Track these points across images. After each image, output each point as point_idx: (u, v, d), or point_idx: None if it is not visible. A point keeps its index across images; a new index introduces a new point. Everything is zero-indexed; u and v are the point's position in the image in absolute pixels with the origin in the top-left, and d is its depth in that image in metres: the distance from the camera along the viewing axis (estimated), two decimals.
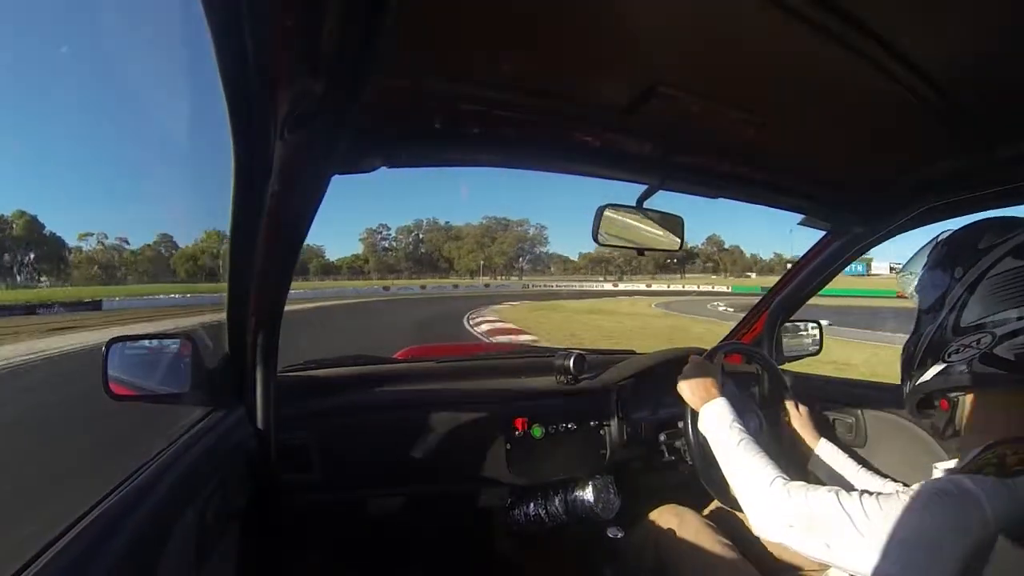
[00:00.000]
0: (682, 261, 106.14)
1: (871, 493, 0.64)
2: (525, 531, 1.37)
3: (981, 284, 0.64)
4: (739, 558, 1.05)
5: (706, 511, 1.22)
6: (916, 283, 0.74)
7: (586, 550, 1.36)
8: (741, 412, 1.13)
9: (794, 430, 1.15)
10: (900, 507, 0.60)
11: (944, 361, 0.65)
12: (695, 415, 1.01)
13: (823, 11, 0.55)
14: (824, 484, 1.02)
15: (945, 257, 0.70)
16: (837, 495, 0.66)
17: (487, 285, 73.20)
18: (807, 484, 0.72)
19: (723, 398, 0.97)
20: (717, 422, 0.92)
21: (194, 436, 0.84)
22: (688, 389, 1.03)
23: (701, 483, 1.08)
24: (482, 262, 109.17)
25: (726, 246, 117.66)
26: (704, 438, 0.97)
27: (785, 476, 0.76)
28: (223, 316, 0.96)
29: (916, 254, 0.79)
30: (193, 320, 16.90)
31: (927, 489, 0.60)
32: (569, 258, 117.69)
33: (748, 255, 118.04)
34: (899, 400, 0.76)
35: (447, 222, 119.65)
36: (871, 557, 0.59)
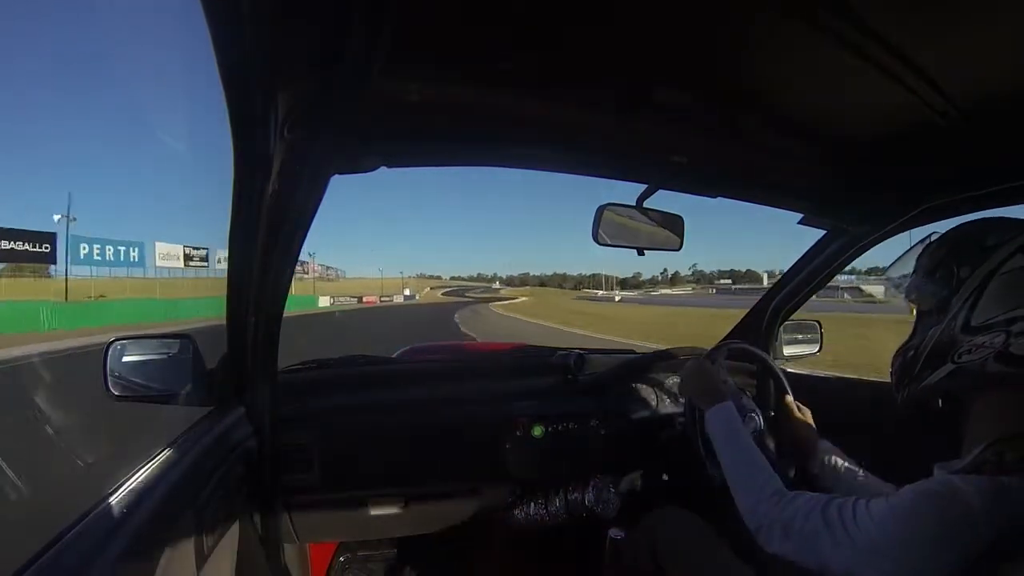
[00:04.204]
0: None
1: (862, 499, 0.64)
2: (525, 531, 1.37)
3: (992, 282, 0.62)
4: (739, 560, 1.05)
5: (706, 512, 1.22)
6: (912, 286, 0.73)
7: (586, 550, 1.36)
8: (742, 412, 1.13)
9: (794, 429, 1.15)
10: (890, 511, 0.60)
11: (954, 362, 0.63)
12: (702, 416, 1.01)
13: (824, 11, 0.55)
14: (825, 481, 1.02)
15: (946, 257, 0.69)
16: (826, 505, 0.66)
17: None
18: (803, 493, 0.72)
19: (729, 401, 0.98)
20: (724, 426, 0.93)
21: (194, 436, 0.84)
22: (693, 391, 1.06)
23: (702, 483, 1.08)
24: None
25: None
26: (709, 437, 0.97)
27: (782, 486, 0.76)
28: (223, 316, 0.96)
29: (903, 257, 0.77)
30: None
31: (917, 492, 0.60)
32: None
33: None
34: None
35: None
36: (862, 563, 0.60)
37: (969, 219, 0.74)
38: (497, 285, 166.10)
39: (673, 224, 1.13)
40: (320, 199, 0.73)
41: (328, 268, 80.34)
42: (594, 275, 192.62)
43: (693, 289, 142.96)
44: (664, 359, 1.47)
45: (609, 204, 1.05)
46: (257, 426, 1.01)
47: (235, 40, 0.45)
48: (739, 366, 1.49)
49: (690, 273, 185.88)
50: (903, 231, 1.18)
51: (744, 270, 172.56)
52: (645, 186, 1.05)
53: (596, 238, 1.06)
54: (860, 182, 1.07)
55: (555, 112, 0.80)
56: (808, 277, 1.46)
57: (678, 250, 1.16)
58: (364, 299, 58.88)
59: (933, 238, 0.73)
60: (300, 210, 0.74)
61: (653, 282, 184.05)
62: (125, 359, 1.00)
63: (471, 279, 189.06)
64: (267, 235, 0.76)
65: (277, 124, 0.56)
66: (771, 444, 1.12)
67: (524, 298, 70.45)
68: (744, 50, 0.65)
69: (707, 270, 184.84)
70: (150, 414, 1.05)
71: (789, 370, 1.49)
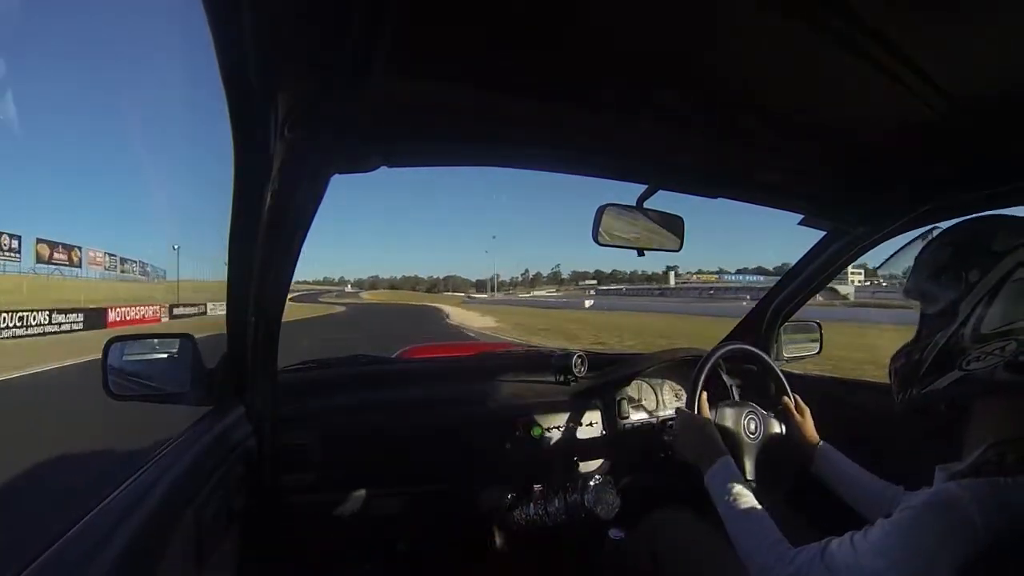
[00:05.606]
0: None
1: (858, 532, 0.64)
2: (525, 531, 1.37)
3: (1003, 289, 0.60)
4: (739, 560, 1.05)
5: (707, 512, 1.21)
6: (914, 286, 0.70)
7: (586, 551, 1.36)
8: (741, 415, 1.13)
9: (795, 431, 1.15)
10: (884, 535, 0.60)
11: (962, 369, 0.61)
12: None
13: (824, 11, 0.55)
14: (827, 481, 1.03)
15: (953, 259, 0.66)
16: (824, 550, 0.66)
17: None
18: (803, 548, 0.71)
19: (726, 456, 0.96)
20: (723, 489, 0.92)
21: (193, 436, 0.84)
22: (688, 451, 1.05)
23: (702, 485, 1.08)
24: None
25: None
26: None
27: (786, 545, 0.75)
28: (223, 316, 0.96)
29: (900, 254, 0.76)
30: None
31: (913, 507, 0.59)
32: None
33: None
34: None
35: None
36: None
37: (970, 218, 0.72)
38: (350, 288, 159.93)
39: (673, 224, 1.13)
40: (320, 199, 0.73)
41: (125, 261, 46.85)
42: (448, 277, 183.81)
43: (557, 291, 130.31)
44: (664, 360, 1.47)
45: (609, 204, 1.05)
46: (257, 426, 1.01)
47: (235, 40, 0.45)
48: (738, 367, 1.49)
49: (549, 275, 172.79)
50: (904, 231, 1.18)
51: (609, 271, 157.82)
52: (645, 186, 1.05)
53: (596, 238, 1.06)
54: (860, 182, 1.07)
55: (555, 112, 0.80)
56: (809, 278, 1.46)
57: (678, 251, 1.16)
58: (110, 317, 21.54)
59: (934, 234, 0.71)
60: (300, 210, 0.74)
61: (513, 284, 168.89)
62: (125, 358, 1.00)
63: (317, 283, 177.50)
64: (267, 235, 0.76)
65: (277, 124, 0.56)
66: (776, 444, 1.11)
67: (453, 307, 47.87)
68: (744, 50, 0.65)
69: (564, 272, 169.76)
70: (153, 412, 1.05)
71: (787, 371, 1.49)
